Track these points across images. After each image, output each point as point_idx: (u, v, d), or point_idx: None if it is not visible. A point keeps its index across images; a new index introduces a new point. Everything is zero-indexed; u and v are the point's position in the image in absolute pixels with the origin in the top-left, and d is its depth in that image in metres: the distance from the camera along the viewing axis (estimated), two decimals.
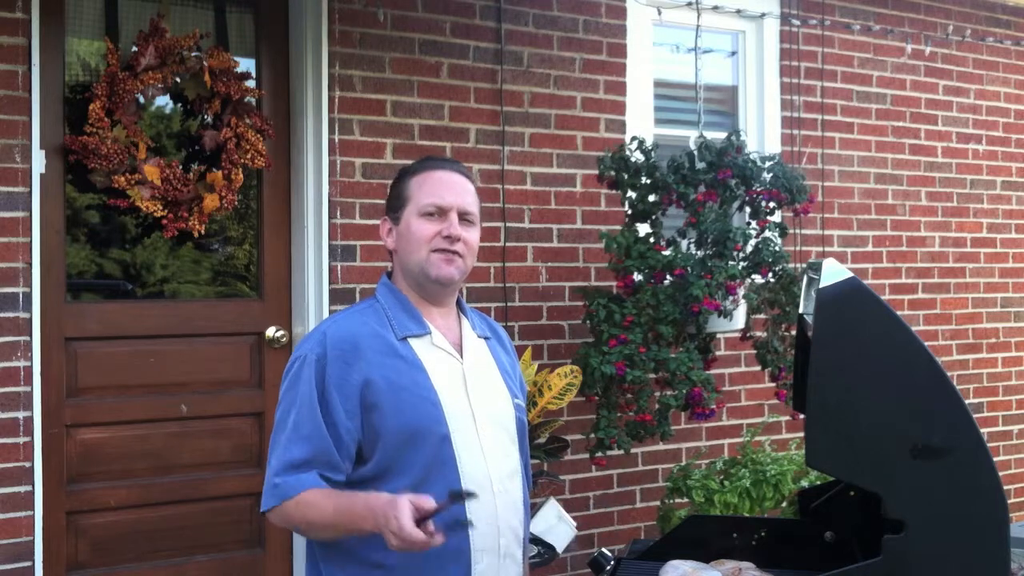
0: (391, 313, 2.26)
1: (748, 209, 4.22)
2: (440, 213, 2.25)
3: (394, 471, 2.16)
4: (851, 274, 1.94)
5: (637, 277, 4.08)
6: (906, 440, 1.89)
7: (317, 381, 2.15)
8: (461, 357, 2.29)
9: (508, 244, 4.41)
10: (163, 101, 3.97)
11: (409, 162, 4.20)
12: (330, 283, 4.03)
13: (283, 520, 2.19)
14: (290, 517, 2.16)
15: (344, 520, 2.09)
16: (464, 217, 2.27)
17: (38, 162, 3.57)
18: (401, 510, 1.95)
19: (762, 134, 5.10)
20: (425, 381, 2.20)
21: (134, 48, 3.77)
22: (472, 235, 2.29)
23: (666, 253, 4.04)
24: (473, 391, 2.26)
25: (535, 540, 3.66)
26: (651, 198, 4.11)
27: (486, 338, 2.40)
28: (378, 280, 2.38)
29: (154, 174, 3.72)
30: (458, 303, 2.39)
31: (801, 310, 2.34)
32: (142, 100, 3.81)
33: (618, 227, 4.24)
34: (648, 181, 4.10)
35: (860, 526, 2.29)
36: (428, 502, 1.97)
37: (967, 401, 2.37)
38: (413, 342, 2.24)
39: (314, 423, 2.14)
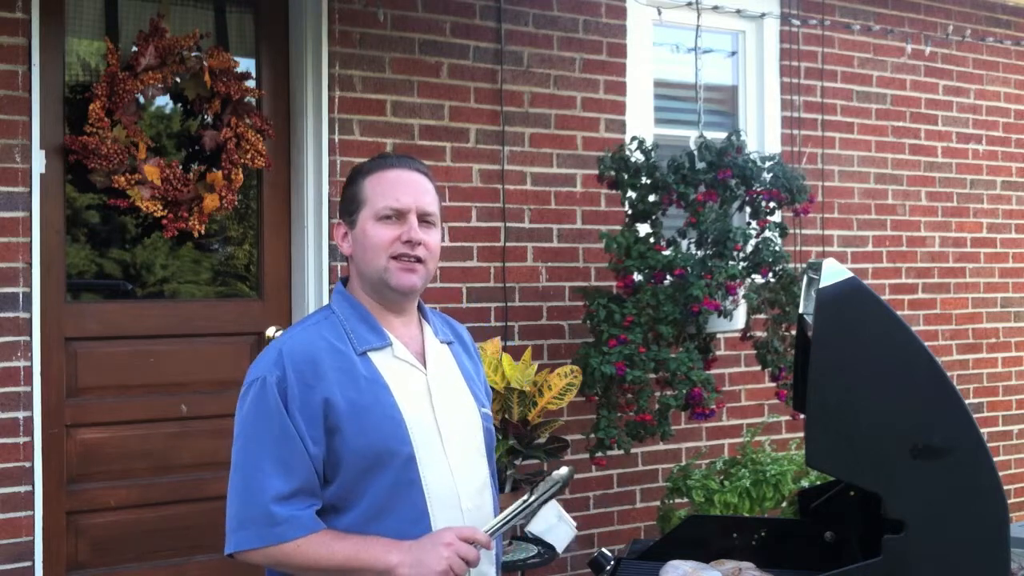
0: (349, 325, 2.12)
1: (748, 209, 4.22)
2: (398, 216, 2.10)
3: (355, 495, 2.05)
4: (851, 274, 1.94)
5: (637, 277, 4.08)
6: (906, 440, 1.89)
7: (283, 405, 2.03)
8: (425, 368, 2.16)
9: (508, 244, 4.41)
10: (163, 101, 3.97)
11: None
12: (330, 283, 4.03)
13: (268, 559, 2.03)
14: (283, 558, 2.00)
15: (357, 560, 1.98)
16: (424, 219, 2.12)
17: (38, 162, 3.57)
18: (450, 528, 2.00)
19: (762, 134, 5.10)
20: (387, 398, 2.07)
21: (134, 48, 3.77)
22: (433, 237, 2.14)
23: (666, 253, 4.04)
24: (438, 404, 2.13)
25: (535, 540, 3.66)
26: (651, 198, 4.11)
27: (449, 343, 2.27)
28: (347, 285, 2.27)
29: (154, 174, 3.72)
30: (420, 309, 2.25)
31: (801, 310, 2.34)
32: (142, 100, 3.81)
33: (618, 227, 4.24)
34: (648, 181, 4.10)
35: (860, 526, 2.29)
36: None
37: (967, 401, 2.37)
38: (373, 356, 2.10)
39: (294, 449, 2.01)
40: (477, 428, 2.21)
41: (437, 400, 2.14)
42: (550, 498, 2.09)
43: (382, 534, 2.03)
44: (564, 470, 2.11)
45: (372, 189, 2.13)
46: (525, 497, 2.10)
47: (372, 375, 2.08)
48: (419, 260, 2.11)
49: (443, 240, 2.27)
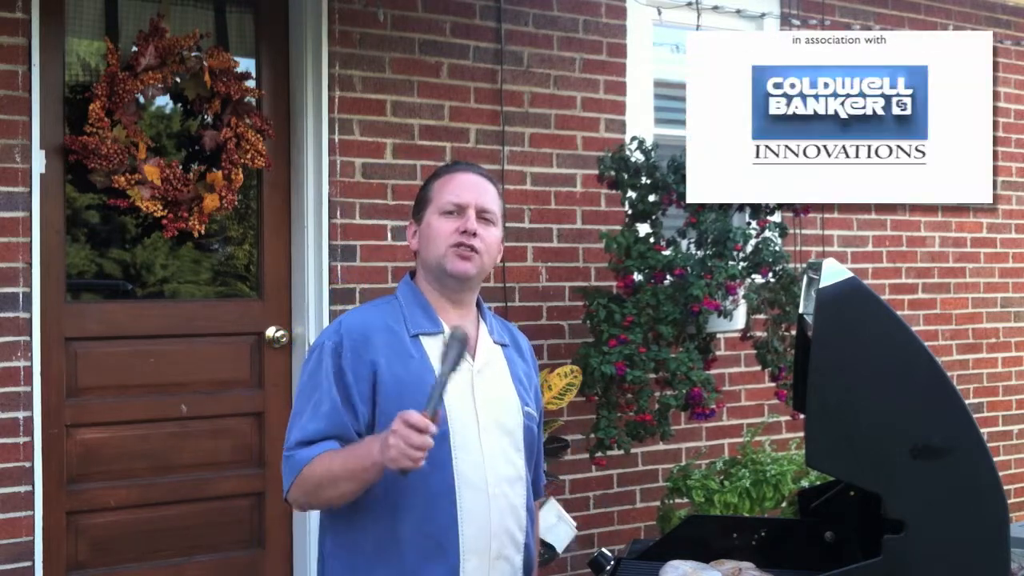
0: (407, 311, 2.32)
1: (748, 209, 4.22)
2: (459, 211, 2.31)
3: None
4: (851, 274, 1.94)
5: (637, 277, 4.08)
6: (906, 440, 1.89)
7: (335, 367, 2.22)
8: (472, 360, 2.31)
9: (508, 244, 4.40)
10: (163, 101, 3.97)
11: (412, 163, 4.22)
12: (330, 283, 4.03)
13: (303, 492, 2.22)
14: (306, 483, 2.20)
15: (351, 462, 2.15)
16: (482, 215, 2.32)
17: (38, 162, 3.57)
18: (404, 412, 2.05)
19: None
20: (431, 379, 2.21)
21: (134, 48, 3.77)
22: (490, 233, 2.33)
23: (666, 253, 4.04)
24: (479, 394, 2.28)
25: None
26: (651, 198, 4.11)
27: (503, 345, 2.42)
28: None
29: (154, 174, 3.72)
30: (480, 307, 2.42)
31: (801, 310, 2.34)
32: (142, 100, 3.81)
33: (618, 227, 4.24)
34: (648, 181, 4.10)
35: (860, 526, 2.29)
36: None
37: (967, 401, 2.37)
38: (425, 340, 2.28)
39: (332, 402, 2.21)
40: (517, 424, 2.35)
41: (479, 391, 2.29)
42: (457, 360, 2.10)
43: (411, 504, 2.20)
44: (455, 331, 2.14)
45: (438, 189, 2.36)
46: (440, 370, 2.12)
47: (420, 356, 2.26)
48: (475, 250, 2.29)
49: (502, 239, 2.44)
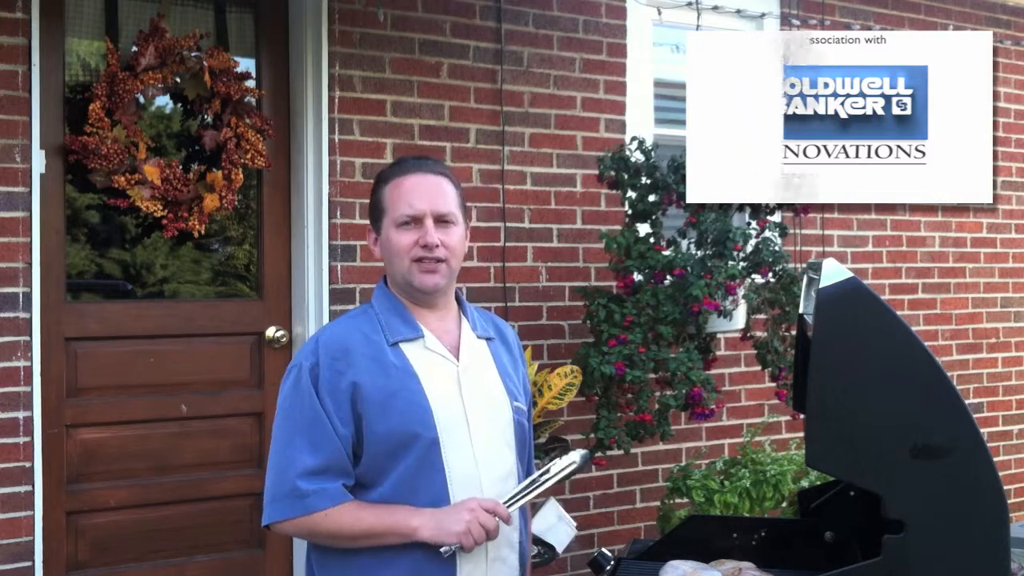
0: (383, 318, 2.25)
1: (748, 209, 4.22)
2: (415, 221, 2.22)
3: (380, 477, 2.17)
4: (851, 274, 1.94)
5: (637, 277, 4.08)
6: (906, 440, 1.89)
7: (315, 389, 2.15)
8: (457, 360, 2.27)
9: (508, 244, 4.41)
10: (163, 101, 3.97)
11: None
12: (330, 283, 4.03)
13: (300, 529, 2.18)
14: (313, 527, 2.15)
15: (383, 523, 2.13)
16: (441, 219, 2.24)
17: (38, 162, 3.57)
18: (474, 497, 2.13)
19: None
20: (415, 386, 2.19)
21: (134, 48, 3.77)
22: (452, 236, 2.25)
23: (666, 253, 4.04)
24: (468, 394, 2.24)
25: (535, 540, 3.66)
26: (651, 198, 4.11)
27: (488, 339, 2.36)
28: (377, 280, 2.38)
29: (154, 174, 3.72)
30: (460, 303, 2.36)
31: (801, 310, 2.34)
32: (142, 100, 3.81)
33: (618, 227, 4.24)
34: (648, 181, 4.10)
35: (860, 526, 2.29)
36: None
37: (967, 401, 2.37)
38: (405, 347, 2.23)
39: (323, 430, 2.14)
40: (506, 420, 2.30)
41: (466, 390, 2.24)
42: (565, 479, 2.20)
43: None
44: (578, 453, 2.21)
45: (390, 197, 2.26)
46: (540, 473, 2.21)
47: (402, 364, 2.21)
48: (440, 260, 2.23)
49: (467, 236, 2.37)
